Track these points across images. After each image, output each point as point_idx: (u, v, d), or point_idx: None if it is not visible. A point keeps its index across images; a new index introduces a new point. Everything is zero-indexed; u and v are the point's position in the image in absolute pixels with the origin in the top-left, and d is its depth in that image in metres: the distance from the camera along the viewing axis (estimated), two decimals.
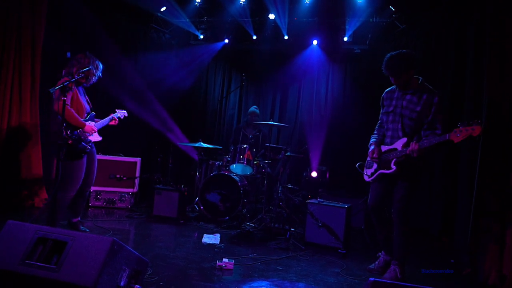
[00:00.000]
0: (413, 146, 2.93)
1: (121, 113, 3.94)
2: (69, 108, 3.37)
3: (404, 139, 3.14)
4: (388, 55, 3.15)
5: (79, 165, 3.49)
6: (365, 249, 4.33)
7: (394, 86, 3.35)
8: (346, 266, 3.57)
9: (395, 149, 3.18)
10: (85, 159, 3.53)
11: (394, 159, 3.14)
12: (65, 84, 2.99)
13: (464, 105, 4.32)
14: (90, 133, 3.53)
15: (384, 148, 3.30)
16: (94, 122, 3.64)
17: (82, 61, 3.48)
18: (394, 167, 3.14)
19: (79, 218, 3.86)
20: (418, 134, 3.16)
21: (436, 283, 3.32)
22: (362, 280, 3.23)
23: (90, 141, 3.54)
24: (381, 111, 3.47)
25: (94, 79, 3.61)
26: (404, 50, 3.14)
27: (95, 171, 3.79)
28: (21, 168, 4.69)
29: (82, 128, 3.47)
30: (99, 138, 3.70)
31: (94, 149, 3.74)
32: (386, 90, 3.43)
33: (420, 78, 3.19)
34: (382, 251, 3.50)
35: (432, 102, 3.07)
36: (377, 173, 3.29)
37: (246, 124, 6.13)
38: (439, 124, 3.05)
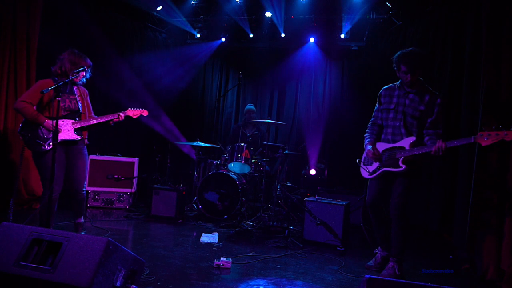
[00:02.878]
0: (440, 144, 2.88)
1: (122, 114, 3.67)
2: (22, 101, 3.22)
3: (412, 138, 3.13)
4: (406, 50, 3.15)
5: (40, 163, 3.31)
6: (364, 246, 4.32)
7: (393, 84, 3.36)
8: (344, 263, 3.56)
9: (402, 147, 3.16)
10: (46, 157, 3.26)
11: (402, 158, 3.13)
12: (59, 84, 2.97)
13: (461, 101, 4.31)
14: (51, 130, 3.26)
15: (386, 145, 3.28)
16: (70, 120, 3.42)
17: (72, 59, 3.38)
18: (403, 166, 3.12)
19: (81, 220, 3.69)
20: (422, 133, 3.17)
21: (434, 279, 3.31)
22: (360, 278, 3.22)
23: (50, 138, 3.28)
24: (376, 107, 3.46)
25: (83, 78, 3.53)
26: (418, 49, 3.18)
27: (84, 173, 3.54)
28: (19, 168, 4.68)
29: (42, 124, 3.27)
30: (72, 137, 3.40)
31: (78, 147, 3.49)
32: (384, 87, 3.42)
33: (421, 78, 3.22)
34: (379, 247, 3.49)
35: (435, 103, 3.12)
36: (380, 170, 3.27)
37: (245, 123, 6.12)
38: (440, 124, 3.13)
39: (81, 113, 3.51)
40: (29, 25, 4.71)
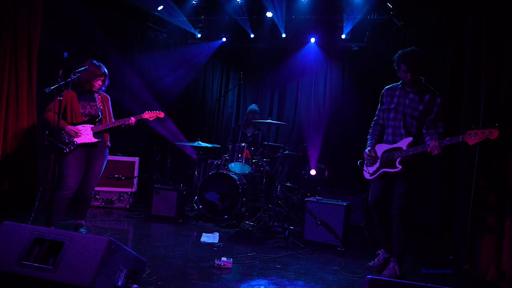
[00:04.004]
0: (434, 143, 2.90)
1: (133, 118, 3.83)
2: (47, 111, 3.58)
3: (410, 139, 3.14)
4: (406, 50, 3.16)
5: (62, 165, 3.55)
6: (364, 246, 4.33)
7: (394, 84, 3.36)
8: (345, 263, 3.56)
9: (400, 148, 3.17)
10: (69, 159, 3.56)
11: (399, 158, 3.14)
12: (60, 84, 2.99)
13: (462, 102, 4.31)
14: (73, 135, 3.57)
15: (386, 146, 3.30)
16: (92, 125, 3.67)
17: (88, 67, 3.57)
18: (399, 166, 3.14)
19: (82, 222, 3.87)
20: (421, 132, 3.17)
21: (435, 279, 3.31)
22: (361, 278, 3.22)
23: (72, 142, 3.57)
24: (379, 107, 3.47)
25: (103, 87, 3.78)
26: (418, 49, 3.18)
27: (98, 174, 3.78)
28: (18, 169, 4.68)
29: (64, 130, 3.56)
30: (90, 140, 3.65)
31: (99, 149, 3.73)
32: (386, 87, 3.43)
33: (423, 78, 3.22)
34: (382, 249, 3.50)
35: (435, 102, 3.11)
36: (379, 171, 3.29)
37: (246, 123, 6.12)
38: (440, 123, 3.11)
39: (101, 117, 3.77)
40: (29, 25, 4.70)
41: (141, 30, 6.93)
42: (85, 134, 3.64)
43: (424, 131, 3.16)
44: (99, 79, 3.71)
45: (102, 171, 3.82)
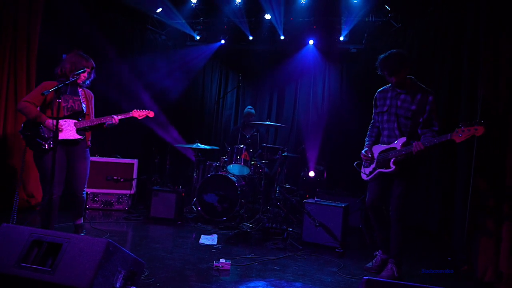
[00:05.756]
0: (419, 144, 2.94)
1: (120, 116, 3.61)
2: (25, 101, 3.25)
3: (404, 139, 3.16)
4: (382, 56, 3.21)
5: (40, 164, 3.31)
6: (363, 248, 4.33)
7: (386, 86, 3.39)
8: (343, 265, 3.57)
9: (394, 148, 3.19)
10: (46, 158, 3.26)
11: (393, 158, 3.16)
12: (59, 86, 2.97)
13: (461, 104, 4.33)
14: (52, 129, 3.24)
15: (382, 147, 3.31)
16: (75, 121, 3.41)
17: (73, 60, 3.38)
18: (393, 166, 3.16)
19: (81, 221, 3.71)
20: (415, 132, 3.18)
21: (433, 281, 3.32)
22: (359, 279, 3.23)
23: (51, 137, 3.26)
24: (374, 111, 3.50)
25: (88, 81, 3.53)
26: (395, 50, 3.20)
27: (84, 175, 3.53)
28: (17, 170, 4.68)
29: (43, 124, 3.27)
30: (73, 137, 3.37)
31: (80, 148, 3.46)
32: (379, 90, 3.47)
33: (412, 77, 3.22)
34: (379, 250, 3.50)
35: (426, 101, 3.11)
36: (375, 172, 3.31)
37: (244, 125, 6.13)
38: (435, 121, 3.11)
39: (85, 113, 3.49)
40: (30, 25, 4.70)
41: (140, 32, 6.95)
42: (67, 130, 3.34)
43: (419, 131, 3.17)
44: (85, 71, 3.42)
45: (88, 171, 3.59)
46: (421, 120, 3.13)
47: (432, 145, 2.92)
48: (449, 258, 3.98)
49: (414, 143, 2.97)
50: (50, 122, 3.26)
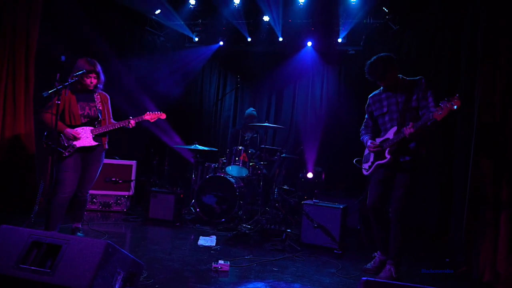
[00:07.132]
0: (409, 127, 2.98)
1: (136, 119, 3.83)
2: (46, 112, 3.45)
3: (395, 128, 3.20)
4: (368, 62, 3.26)
5: (59, 168, 3.47)
6: (361, 249, 4.34)
7: (377, 91, 3.46)
8: (341, 266, 3.58)
9: (387, 139, 3.24)
10: (67, 162, 3.48)
11: (388, 148, 3.20)
12: (58, 88, 2.99)
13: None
14: (71, 138, 3.48)
15: (378, 140, 3.36)
16: (91, 128, 3.59)
17: (80, 65, 3.50)
18: (388, 156, 3.20)
19: (79, 225, 3.83)
20: (418, 118, 3.18)
21: (431, 281, 3.33)
22: (358, 280, 3.20)
23: (71, 145, 3.48)
24: (366, 116, 3.54)
25: (100, 84, 3.68)
26: (382, 54, 3.24)
27: (93, 177, 3.71)
28: (16, 173, 4.67)
29: (62, 132, 3.47)
30: (90, 143, 3.57)
31: (96, 153, 3.66)
32: (370, 95, 3.52)
33: (400, 76, 3.27)
34: (378, 251, 3.51)
35: (421, 87, 3.15)
36: (374, 165, 3.34)
37: (244, 126, 6.13)
38: (430, 98, 3.13)
39: (101, 119, 3.67)
40: (28, 26, 4.69)
41: (139, 33, 6.96)
42: (85, 137, 3.56)
43: (420, 113, 3.18)
44: (90, 76, 3.56)
45: (98, 174, 3.76)
46: (421, 106, 3.16)
47: (420, 127, 2.94)
48: (447, 259, 4.00)
49: (403, 128, 3.02)
50: (68, 131, 3.49)
